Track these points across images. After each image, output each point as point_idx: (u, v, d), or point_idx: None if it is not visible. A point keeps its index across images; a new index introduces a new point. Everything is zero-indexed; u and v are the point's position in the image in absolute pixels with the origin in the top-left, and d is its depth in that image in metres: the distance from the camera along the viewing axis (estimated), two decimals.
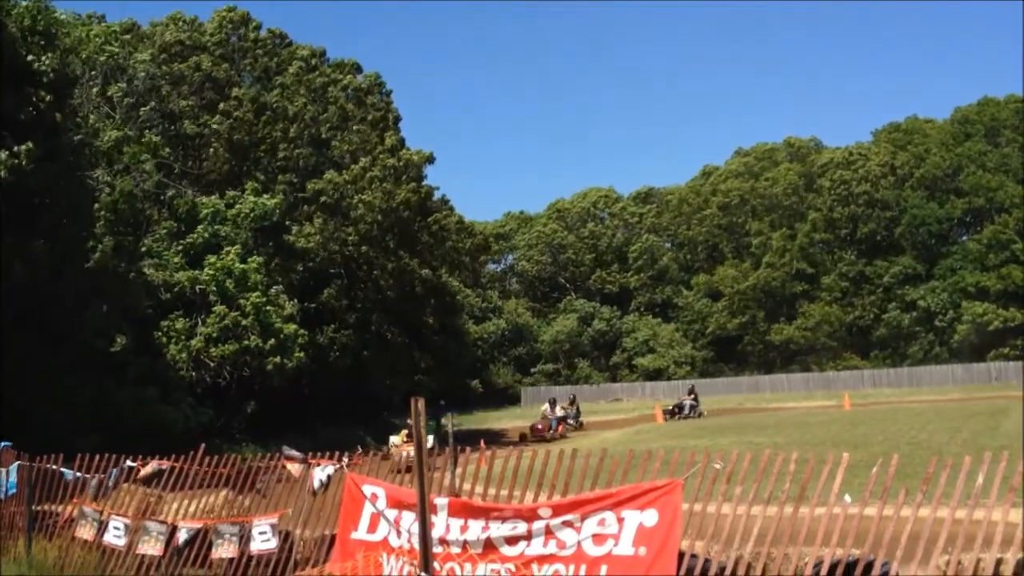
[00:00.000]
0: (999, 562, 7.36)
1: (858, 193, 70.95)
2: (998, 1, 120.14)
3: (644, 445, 28.23)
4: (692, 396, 47.09)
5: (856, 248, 71.84)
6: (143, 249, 31.40)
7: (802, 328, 70.15)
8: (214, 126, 38.76)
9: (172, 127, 38.27)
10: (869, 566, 7.78)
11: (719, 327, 72.66)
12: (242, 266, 32.59)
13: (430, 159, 45.75)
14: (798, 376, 68.60)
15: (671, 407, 46.05)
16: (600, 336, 76.50)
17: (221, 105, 39.68)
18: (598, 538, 8.32)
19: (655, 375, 73.08)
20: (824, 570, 7.88)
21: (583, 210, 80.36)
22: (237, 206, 34.74)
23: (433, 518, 8.77)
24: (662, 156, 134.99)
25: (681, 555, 8.39)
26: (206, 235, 33.46)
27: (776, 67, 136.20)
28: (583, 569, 8.31)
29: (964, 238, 70.53)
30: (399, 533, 9.19)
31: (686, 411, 44.64)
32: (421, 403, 5.92)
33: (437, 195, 48.08)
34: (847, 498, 8.45)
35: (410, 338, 46.13)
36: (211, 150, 38.83)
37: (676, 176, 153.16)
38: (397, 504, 9.38)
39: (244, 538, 11.20)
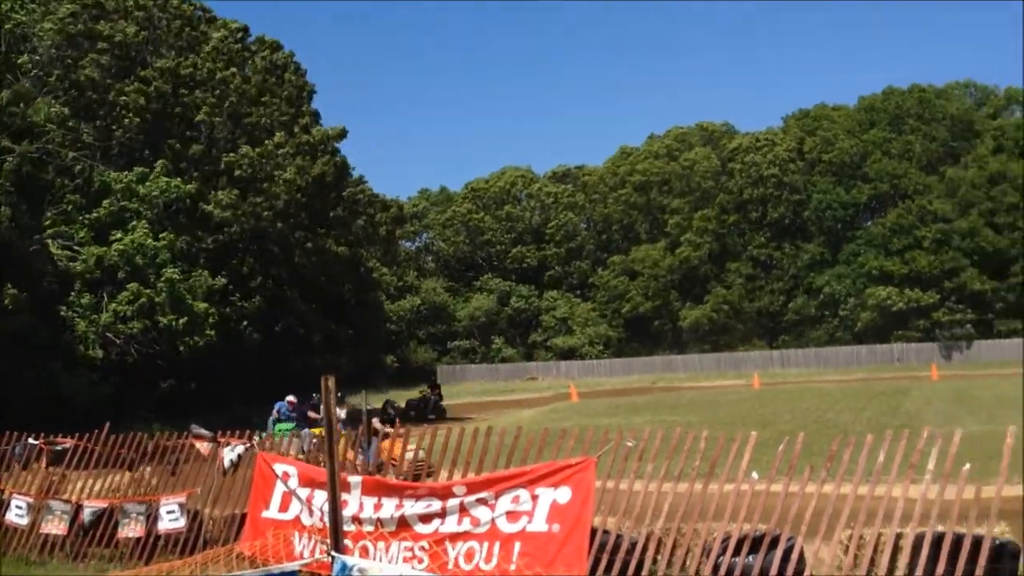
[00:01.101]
0: (899, 536, 7.59)
1: (767, 176, 72.27)
2: None
3: (559, 424, 28.46)
4: (436, 391, 41.94)
5: (766, 231, 73.16)
6: (47, 222, 30.47)
7: (711, 309, 71.30)
8: (127, 96, 37.66)
9: (82, 96, 37.08)
10: (775, 541, 7.96)
11: (634, 307, 73.45)
12: (153, 243, 31.86)
13: (343, 134, 45.38)
14: (710, 356, 69.79)
15: (415, 400, 40.58)
16: (517, 315, 76.77)
17: (141, 72, 38.63)
18: (512, 515, 8.35)
19: (570, 354, 73.64)
20: (732, 545, 8.04)
21: (501, 190, 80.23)
22: (148, 183, 33.87)
23: (346, 496, 8.71)
24: (580, 136, 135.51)
25: (594, 531, 8.49)
26: (114, 209, 32.58)
27: (692, 51, 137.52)
28: (497, 546, 8.34)
29: (869, 223, 72.28)
30: (311, 512, 9.12)
31: (430, 406, 38.81)
32: (331, 381, 5.85)
33: (353, 173, 47.58)
34: (754, 475, 8.64)
35: (325, 314, 45.65)
36: (125, 121, 37.73)
37: (593, 156, 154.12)
38: (309, 483, 9.31)
39: (151, 517, 11.03)
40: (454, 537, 8.49)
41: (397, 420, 19.24)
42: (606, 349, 74.12)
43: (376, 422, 17.61)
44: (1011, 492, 12.36)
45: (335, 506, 5.74)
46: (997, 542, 7.29)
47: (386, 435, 17.80)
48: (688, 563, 8.32)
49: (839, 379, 52.78)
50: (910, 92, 73.38)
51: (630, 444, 9.13)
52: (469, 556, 8.39)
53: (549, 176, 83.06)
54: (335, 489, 5.75)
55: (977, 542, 7.09)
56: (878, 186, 69.75)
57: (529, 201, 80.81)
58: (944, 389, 37.08)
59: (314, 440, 18.20)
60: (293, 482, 9.43)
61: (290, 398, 23.03)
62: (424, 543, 8.52)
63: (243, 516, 10.20)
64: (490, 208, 79.55)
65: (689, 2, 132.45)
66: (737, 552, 7.99)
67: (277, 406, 22.61)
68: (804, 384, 48.95)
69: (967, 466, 7.66)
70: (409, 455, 12.29)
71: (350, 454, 11.67)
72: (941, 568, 7.10)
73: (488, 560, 8.31)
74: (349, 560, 5.56)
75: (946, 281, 64.29)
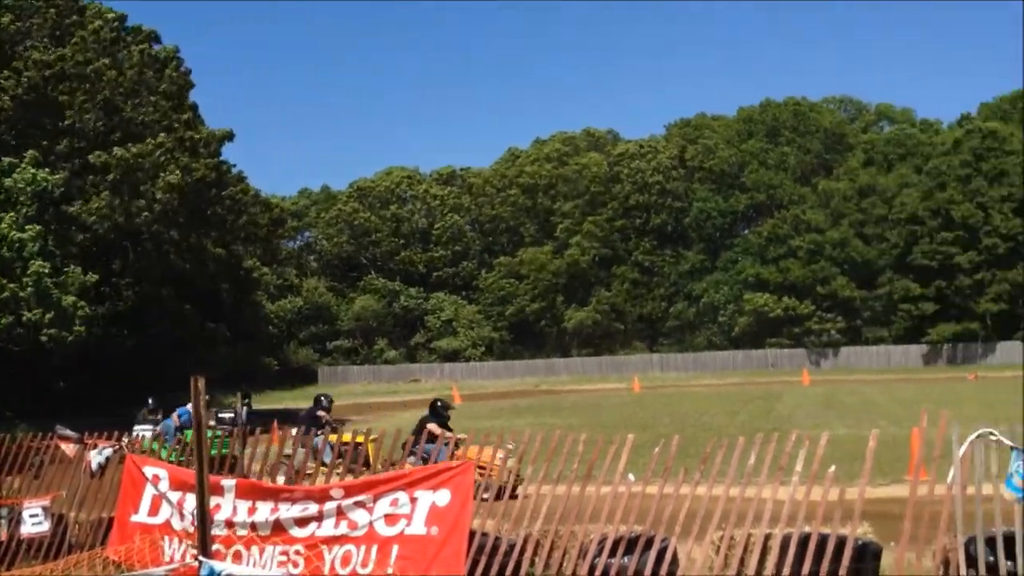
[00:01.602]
0: (767, 536, 7.79)
1: (652, 183, 73.65)
2: (782, 2, 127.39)
3: None
4: (247, 402, 41.11)
5: (650, 237, 74.48)
6: None
7: (595, 312, 72.24)
8: None
9: None
10: (650, 542, 8.08)
11: (519, 309, 73.84)
12: (19, 235, 30.55)
13: (229, 136, 44.03)
14: (592, 360, 70.71)
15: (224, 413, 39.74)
16: (402, 316, 76.29)
17: (13, 63, 37.00)
18: (391, 518, 8.29)
19: (453, 356, 73.62)
20: (608, 546, 8.13)
21: (386, 189, 79.54)
22: (15, 175, 32.44)
23: (219, 500, 8.50)
24: (466, 137, 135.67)
25: (472, 533, 8.48)
26: None
27: (578, 56, 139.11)
28: (374, 549, 8.27)
29: (746, 231, 74.30)
30: (182, 516, 8.88)
31: (240, 420, 38.27)
32: (201, 382, 5.70)
33: (234, 171, 46.36)
34: (631, 477, 8.75)
35: (203, 315, 44.53)
36: None
37: (478, 158, 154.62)
38: (180, 486, 9.05)
39: (14, 521, 10.58)
40: (330, 541, 8.38)
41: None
42: (490, 352, 74.34)
43: (434, 427, 15.85)
44: (873, 494, 12.85)
45: (203, 510, 5.60)
46: (860, 542, 7.55)
47: (459, 442, 15.93)
48: (565, 564, 8.38)
49: (716, 383, 54.12)
50: (786, 105, 75.80)
51: (510, 447, 9.16)
52: (346, 560, 8.29)
53: (435, 177, 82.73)
54: (203, 493, 5.61)
55: (841, 542, 7.33)
56: (755, 195, 71.80)
57: (415, 202, 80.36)
58: (814, 394, 38.36)
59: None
60: (164, 485, 9.17)
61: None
62: (299, 547, 8.39)
63: (111, 520, 9.86)
64: (375, 208, 78.80)
65: (572, 3, 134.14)
66: (613, 553, 8.09)
67: (179, 412, 21.13)
68: (683, 388, 50.03)
69: (833, 468, 7.92)
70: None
71: (406, 464, 10.79)
72: (807, 567, 7.32)
73: (365, 564, 8.24)
74: (217, 565, 5.44)
75: (818, 288, 66.52)
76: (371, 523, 8.34)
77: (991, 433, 7.27)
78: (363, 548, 8.29)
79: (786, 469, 8.02)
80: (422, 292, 77.10)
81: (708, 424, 25.96)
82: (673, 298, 73.14)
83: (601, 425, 27.26)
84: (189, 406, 21.17)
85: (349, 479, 9.32)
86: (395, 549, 8.21)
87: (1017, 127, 68.74)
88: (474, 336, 74.38)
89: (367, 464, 12.22)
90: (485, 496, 9.49)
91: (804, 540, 7.46)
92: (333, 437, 17.05)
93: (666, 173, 74.33)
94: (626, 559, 8.02)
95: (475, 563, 8.40)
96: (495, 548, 8.53)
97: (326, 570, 8.24)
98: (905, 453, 16.93)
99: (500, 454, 10.34)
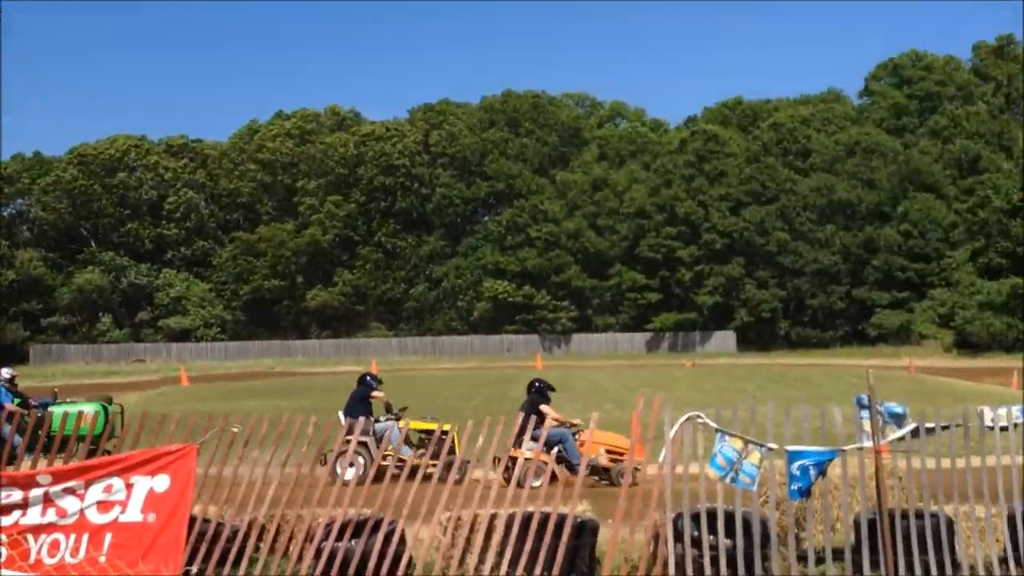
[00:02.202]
0: (493, 516, 7.96)
1: (398, 166, 73.59)
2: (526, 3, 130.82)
3: (165, 408, 27.14)
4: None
5: (394, 220, 74.43)
6: None
7: (337, 295, 71.47)
8: None
9: None
10: (377, 525, 8.06)
11: (256, 288, 71.77)
12: None
13: None
14: (330, 342, 69.95)
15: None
16: (129, 292, 72.09)
17: None
18: (103, 505, 7.92)
19: (183, 336, 70.62)
20: (335, 530, 8.04)
21: (111, 157, 74.51)
22: None
23: None
24: (201, 107, 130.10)
25: (193, 520, 8.18)
26: None
27: (317, 37, 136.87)
28: (85, 538, 7.85)
29: (486, 219, 75.78)
30: None
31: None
32: None
33: None
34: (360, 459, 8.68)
35: None
36: None
37: (216, 131, 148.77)
38: None
39: None
40: (37, 529, 7.89)
41: None
42: (223, 331, 71.86)
43: (549, 409, 14.20)
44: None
45: None
46: (579, 519, 7.85)
47: (573, 426, 14.49)
48: (291, 549, 8.22)
49: (453, 367, 54.93)
50: (526, 97, 77.86)
51: (235, 430, 8.85)
52: (53, 549, 7.83)
53: (165, 148, 78.13)
54: None
55: (561, 520, 7.61)
56: (495, 184, 73.32)
57: (144, 172, 75.97)
58: (547, 378, 39.62)
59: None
60: None
61: (5, 372, 17.41)
62: (2, 536, 7.82)
63: None
64: (99, 176, 73.79)
65: None
66: (340, 537, 8.02)
67: None
68: (420, 371, 50.39)
69: (556, 449, 8.19)
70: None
71: (517, 453, 9.39)
72: (529, 545, 7.55)
73: (75, 553, 7.81)
74: None
75: (553, 277, 68.83)
76: (82, 510, 7.91)
77: (699, 416, 7.75)
78: (72, 537, 7.87)
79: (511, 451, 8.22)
80: (153, 268, 73.30)
81: (444, 407, 26.24)
82: (414, 281, 73.47)
83: (334, 408, 26.97)
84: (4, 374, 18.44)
85: (59, 464, 8.73)
86: (108, 537, 7.83)
87: (735, 131, 74.12)
88: (206, 315, 71.59)
89: (452, 453, 10.88)
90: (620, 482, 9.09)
91: (527, 519, 7.68)
92: (401, 423, 15.70)
93: (412, 157, 74.49)
94: (353, 542, 7.97)
95: (195, 550, 8.09)
96: (217, 535, 8.24)
97: (32, 560, 7.75)
98: (627, 435, 17.84)
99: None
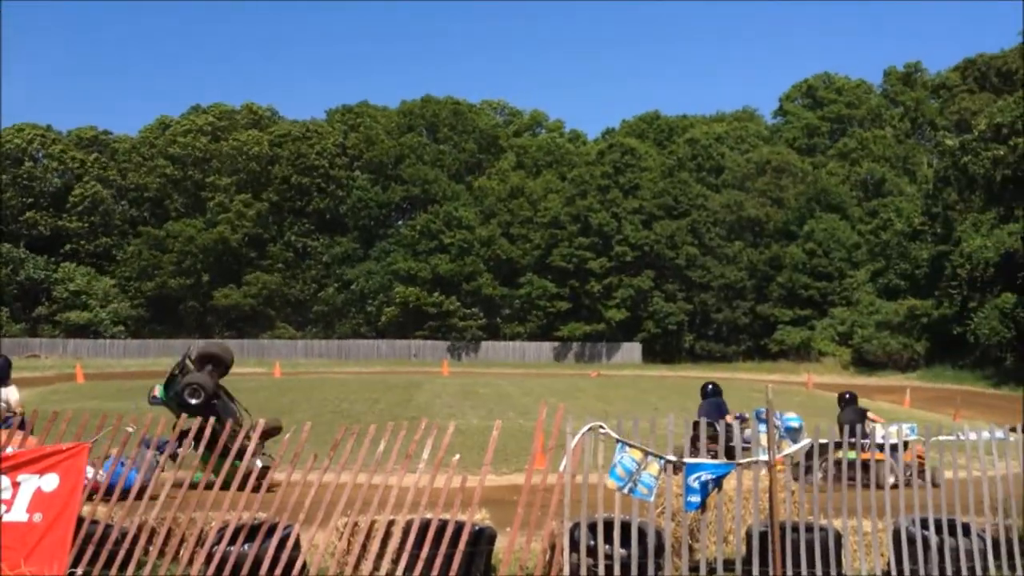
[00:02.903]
0: (391, 522, 7.90)
1: (315, 167, 72.73)
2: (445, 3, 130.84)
3: (59, 406, 26.35)
4: None
5: (307, 221, 73.56)
6: None
7: (246, 295, 70.26)
8: None
9: None
10: (272, 529, 7.94)
11: (160, 284, 70.14)
12: None
13: None
14: (234, 342, 68.53)
15: None
16: (26, 285, 69.74)
17: None
18: None
19: (82, 332, 68.63)
20: (228, 534, 7.90)
21: (16, 147, 72.28)
22: None
23: None
24: (112, 100, 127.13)
25: (81, 521, 7.96)
26: None
27: (233, 31, 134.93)
28: None
29: (400, 223, 75.40)
30: None
31: None
32: None
33: None
34: (258, 463, 8.55)
35: None
36: None
37: (125, 124, 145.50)
38: None
39: None
40: None
41: None
42: (125, 329, 70.05)
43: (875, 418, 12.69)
44: (496, 482, 13.46)
45: None
46: (477, 527, 7.85)
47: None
48: (182, 553, 8.04)
49: (360, 371, 54.48)
50: (446, 103, 77.81)
51: (130, 429, 8.65)
52: None
53: (74, 139, 76.26)
54: None
55: (459, 528, 7.59)
56: (411, 188, 73.01)
57: (49, 162, 73.83)
58: (453, 384, 39.63)
59: None
60: None
61: None
62: None
63: None
64: (3, 165, 71.44)
65: None
66: (233, 541, 7.87)
67: None
68: (325, 374, 49.89)
69: (457, 456, 8.18)
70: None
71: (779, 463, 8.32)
72: (425, 551, 7.51)
73: None
74: None
75: (464, 284, 68.73)
76: None
77: (600, 426, 7.82)
78: None
79: (414, 457, 8.18)
80: (51, 261, 71.09)
81: (347, 411, 26.05)
82: (324, 283, 72.66)
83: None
84: None
85: None
86: None
87: (651, 145, 75.17)
88: (108, 312, 69.70)
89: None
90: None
91: (425, 525, 7.65)
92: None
93: (331, 159, 73.69)
94: (246, 546, 7.83)
95: (82, 552, 7.86)
96: (105, 536, 8.02)
97: None
98: (530, 443, 17.86)
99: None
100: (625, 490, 7.66)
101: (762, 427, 8.26)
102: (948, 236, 55.23)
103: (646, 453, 7.68)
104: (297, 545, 7.93)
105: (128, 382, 40.75)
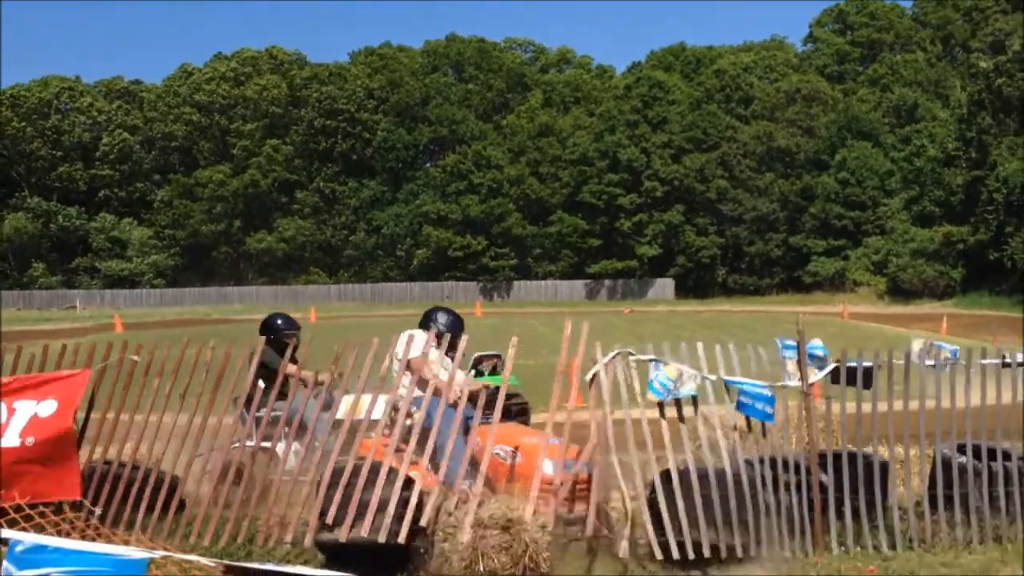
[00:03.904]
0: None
1: (342, 110, 72.41)
2: None
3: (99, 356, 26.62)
4: None
5: (333, 165, 73.47)
6: None
7: (278, 239, 70.54)
8: None
9: None
10: None
11: (193, 232, 70.58)
12: None
13: None
14: (267, 289, 69.18)
15: None
16: (61, 237, 70.45)
17: None
18: None
19: (119, 282, 69.38)
20: None
21: (43, 100, 72.60)
22: None
23: None
24: (137, 49, 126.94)
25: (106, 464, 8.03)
26: None
27: None
28: None
29: (429, 165, 75.05)
30: None
31: None
32: None
33: None
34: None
35: None
36: None
37: (152, 72, 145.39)
38: None
39: None
40: None
41: None
42: (160, 278, 70.75)
43: None
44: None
45: None
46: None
47: None
48: None
49: (393, 314, 54.66)
50: (470, 42, 76.93)
51: (135, 358, 8.55)
52: None
53: (101, 90, 76.59)
54: None
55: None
56: (438, 129, 72.55)
57: (78, 114, 74.10)
58: (486, 325, 39.65)
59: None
60: None
61: None
62: None
63: None
64: (31, 119, 71.86)
65: None
66: None
67: None
68: (360, 318, 50.14)
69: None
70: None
71: None
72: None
73: None
74: None
75: (494, 226, 68.46)
76: None
77: (629, 352, 7.63)
78: None
79: None
80: (83, 212, 71.67)
81: (381, 355, 26.10)
82: (354, 227, 72.70)
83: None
84: None
85: None
86: None
87: (679, 78, 74.05)
88: (145, 261, 70.38)
89: None
90: None
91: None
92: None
93: (357, 102, 73.27)
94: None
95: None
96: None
97: None
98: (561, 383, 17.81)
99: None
100: (668, 398, 7.45)
101: (788, 353, 8.11)
102: (983, 161, 54.24)
103: (681, 371, 7.49)
104: None
105: (167, 330, 41.14)
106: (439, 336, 8.70)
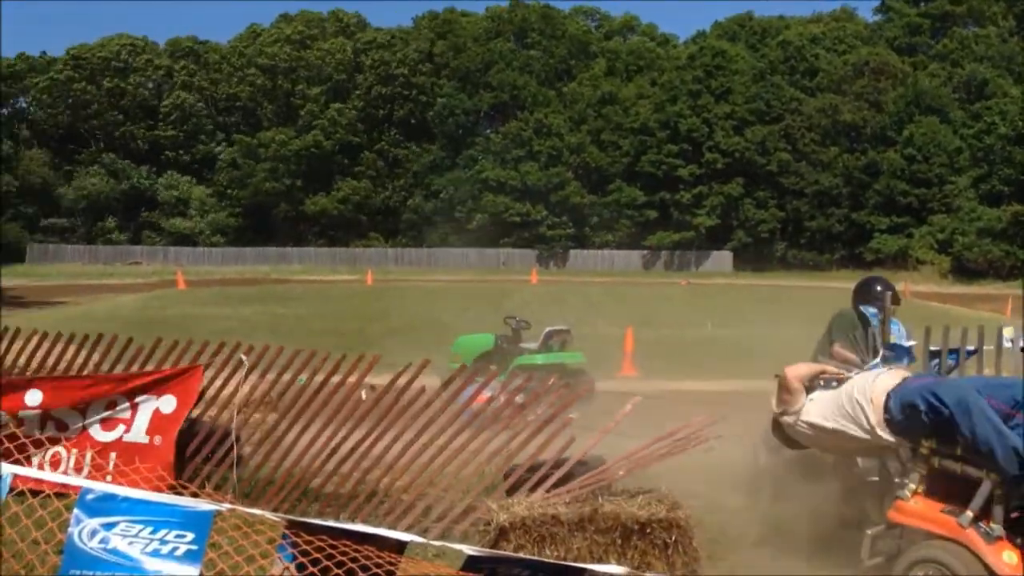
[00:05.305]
0: None
1: (396, 75, 72.62)
2: None
3: (161, 311, 27.27)
4: None
5: (393, 130, 73.74)
6: None
7: (335, 200, 71.13)
8: None
9: None
10: None
11: (255, 192, 71.40)
12: None
13: None
14: (325, 250, 69.88)
15: None
16: (131, 194, 71.75)
17: None
18: (107, 423, 7.85)
19: (182, 240, 70.60)
20: None
21: (105, 60, 73.51)
22: None
23: None
24: (203, 9, 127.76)
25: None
26: None
27: None
28: (88, 456, 7.77)
29: (489, 131, 74.93)
30: None
31: None
32: None
33: None
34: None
35: None
36: None
37: (218, 32, 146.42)
38: None
39: None
40: (38, 442, 7.71)
41: None
42: (222, 236, 71.78)
43: None
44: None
45: None
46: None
47: None
48: None
49: (449, 279, 55.02)
50: (534, 8, 76.54)
51: (243, 358, 8.58)
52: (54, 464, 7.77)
53: (168, 50, 77.51)
54: None
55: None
56: (500, 95, 72.37)
57: (143, 72, 75.01)
58: (542, 292, 39.79)
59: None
60: None
61: None
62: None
63: None
64: (96, 77, 72.96)
65: None
66: None
67: None
68: (416, 282, 50.52)
69: None
70: None
71: None
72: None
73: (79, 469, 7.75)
74: None
75: (553, 194, 68.31)
76: (84, 427, 7.84)
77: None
78: (75, 452, 7.81)
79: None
80: (151, 170, 72.93)
81: (439, 319, 26.37)
82: (412, 191, 72.99)
83: (330, 316, 27.15)
84: None
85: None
86: (112, 456, 7.80)
87: (743, 48, 73.04)
88: (207, 219, 71.47)
89: None
90: None
91: None
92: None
93: (413, 67, 73.41)
94: None
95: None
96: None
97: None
98: (616, 351, 17.98)
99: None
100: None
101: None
102: None
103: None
104: None
105: (227, 289, 41.90)
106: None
